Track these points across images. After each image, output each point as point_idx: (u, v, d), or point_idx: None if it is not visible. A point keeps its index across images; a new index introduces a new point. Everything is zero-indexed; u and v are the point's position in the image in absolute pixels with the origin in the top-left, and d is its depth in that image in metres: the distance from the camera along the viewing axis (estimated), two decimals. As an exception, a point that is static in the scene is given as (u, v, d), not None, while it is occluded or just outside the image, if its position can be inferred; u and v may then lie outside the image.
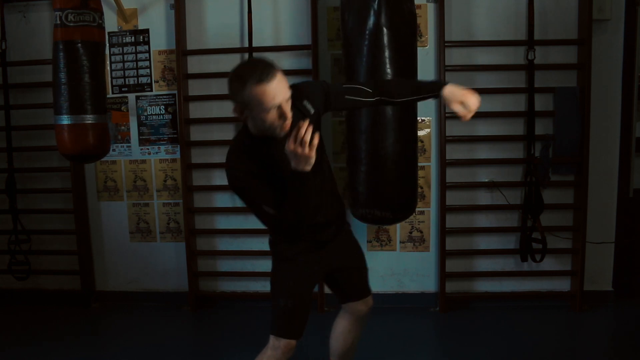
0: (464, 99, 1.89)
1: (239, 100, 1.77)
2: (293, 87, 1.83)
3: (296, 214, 1.82)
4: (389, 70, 2.74)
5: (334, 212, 2.11)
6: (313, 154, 1.69)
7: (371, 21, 2.72)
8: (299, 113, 1.86)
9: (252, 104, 1.73)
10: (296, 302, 2.04)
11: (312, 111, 1.92)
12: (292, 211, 1.81)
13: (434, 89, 1.97)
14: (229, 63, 3.52)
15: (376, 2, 2.70)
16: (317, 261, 2.09)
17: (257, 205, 1.86)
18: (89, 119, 2.92)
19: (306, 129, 1.66)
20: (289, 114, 1.76)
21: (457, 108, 1.90)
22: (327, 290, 3.44)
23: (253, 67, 1.75)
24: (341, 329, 2.32)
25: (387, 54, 2.71)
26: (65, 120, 2.90)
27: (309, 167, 1.72)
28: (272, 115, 1.74)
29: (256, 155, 1.84)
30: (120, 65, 3.66)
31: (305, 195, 1.79)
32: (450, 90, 1.92)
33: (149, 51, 3.63)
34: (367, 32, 2.73)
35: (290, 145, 1.67)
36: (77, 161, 3.19)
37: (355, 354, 2.45)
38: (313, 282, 2.17)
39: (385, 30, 2.70)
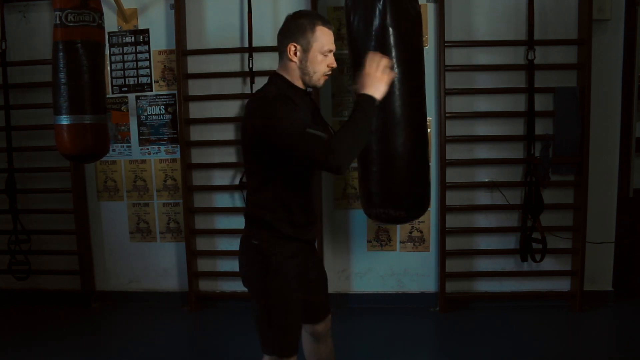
0: (370, 72, 1.79)
1: (301, 37, 1.79)
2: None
3: (355, 138, 1.72)
4: (396, 70, 2.74)
5: (318, 210, 2.09)
6: (389, 78, 1.79)
7: (377, 21, 2.73)
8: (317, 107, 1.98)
9: (315, 43, 1.80)
10: (294, 316, 1.91)
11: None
12: (352, 135, 1.71)
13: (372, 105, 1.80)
14: (229, 63, 3.57)
15: (381, 3, 2.71)
16: (303, 268, 1.94)
17: (303, 131, 1.67)
18: (89, 119, 2.92)
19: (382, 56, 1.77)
20: (335, 64, 1.84)
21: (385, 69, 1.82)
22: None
23: (315, 13, 1.87)
24: (310, 348, 2.17)
25: (394, 53, 2.72)
26: (64, 120, 2.90)
27: (380, 94, 1.77)
28: (326, 60, 1.82)
29: (298, 104, 1.80)
30: (120, 65, 3.66)
31: (369, 124, 1.76)
32: (359, 82, 1.81)
33: (149, 51, 3.63)
34: (373, 32, 2.74)
35: (369, 67, 1.76)
36: (77, 161, 3.19)
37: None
38: (301, 292, 1.94)
39: (391, 30, 2.71)
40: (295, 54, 1.81)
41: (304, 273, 1.95)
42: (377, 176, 2.85)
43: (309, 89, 1.91)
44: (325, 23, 1.82)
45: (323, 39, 1.80)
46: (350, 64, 3.03)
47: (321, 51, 1.81)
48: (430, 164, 3.11)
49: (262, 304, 1.89)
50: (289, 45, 1.81)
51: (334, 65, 1.84)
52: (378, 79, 1.77)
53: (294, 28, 1.81)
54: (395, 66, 2.74)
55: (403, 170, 2.82)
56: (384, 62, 1.79)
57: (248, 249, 1.92)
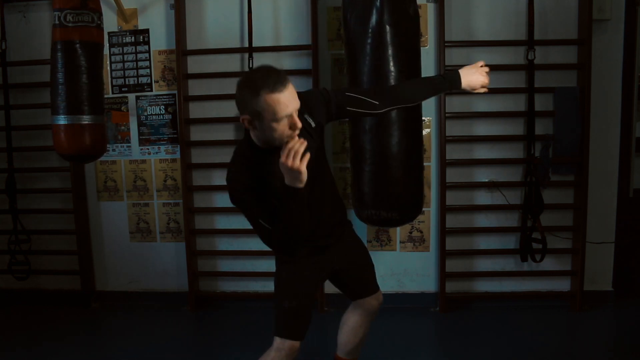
0: (481, 83, 2.05)
1: (249, 109, 1.70)
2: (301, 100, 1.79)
3: (290, 229, 1.78)
4: (392, 69, 2.71)
5: (336, 220, 2.13)
6: (303, 168, 1.66)
7: (374, 19, 2.71)
8: (302, 128, 1.80)
9: (265, 113, 1.68)
10: (300, 303, 2.06)
11: (314, 125, 1.90)
12: (285, 227, 1.78)
13: (451, 83, 2.03)
14: (229, 63, 3.57)
15: (379, 1, 2.69)
16: (319, 263, 2.11)
17: (254, 218, 1.84)
18: (86, 119, 2.92)
19: (299, 142, 1.66)
20: (299, 123, 1.72)
21: (481, 91, 2.07)
22: (327, 290, 3.44)
23: (265, 75, 1.69)
24: (352, 324, 2.34)
25: (390, 51, 2.69)
26: (62, 120, 2.90)
27: (301, 183, 1.70)
28: (283, 125, 1.70)
29: (256, 167, 1.82)
30: (120, 65, 3.66)
31: (300, 211, 1.76)
32: (467, 81, 2.03)
33: (149, 51, 3.63)
34: (369, 30, 2.72)
35: (282, 158, 1.66)
36: (74, 161, 3.19)
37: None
38: (316, 283, 2.18)
39: (388, 28, 2.69)
40: (250, 122, 1.74)
41: (324, 265, 2.12)
42: (369, 176, 2.81)
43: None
44: (273, 88, 1.66)
45: (272, 108, 1.66)
46: (346, 63, 3.00)
47: (274, 120, 1.68)
48: (424, 164, 3.09)
49: (275, 289, 2.11)
50: (241, 118, 1.75)
51: (297, 125, 1.71)
52: (291, 173, 1.70)
53: (240, 100, 1.73)
54: (392, 65, 2.73)
55: (396, 171, 2.78)
56: (296, 162, 1.68)
57: None
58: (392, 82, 2.72)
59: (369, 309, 2.31)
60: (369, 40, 2.73)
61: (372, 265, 2.32)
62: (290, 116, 1.70)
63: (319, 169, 1.94)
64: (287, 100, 1.68)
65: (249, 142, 1.85)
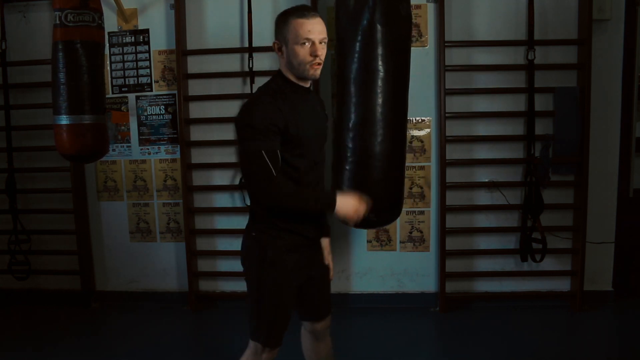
0: (352, 222, 1.96)
1: (280, 35, 1.86)
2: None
3: (293, 207, 1.85)
4: (380, 68, 2.68)
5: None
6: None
7: (365, 18, 2.68)
8: (319, 100, 2.07)
9: (290, 35, 1.81)
10: (285, 313, 1.98)
11: (325, 111, 2.11)
12: (293, 203, 1.84)
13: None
14: (229, 63, 3.57)
15: (371, 0, 2.66)
16: (303, 263, 1.99)
17: (262, 159, 1.77)
18: (88, 119, 2.92)
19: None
20: (321, 53, 1.82)
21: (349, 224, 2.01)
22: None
23: (298, 6, 1.87)
24: (309, 346, 2.21)
25: (380, 51, 2.66)
26: (63, 120, 2.90)
27: (351, 221, 1.94)
28: (305, 50, 1.81)
29: (288, 100, 1.85)
30: (120, 65, 3.66)
31: (307, 172, 1.88)
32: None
33: (149, 51, 3.63)
34: (360, 29, 2.69)
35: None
36: (76, 161, 3.19)
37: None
38: (297, 287, 2.01)
39: (379, 27, 2.66)
40: (279, 50, 1.88)
41: (304, 269, 2.00)
42: (348, 175, 2.69)
43: (309, 86, 1.95)
44: (301, 15, 1.82)
45: (296, 30, 1.80)
46: (336, 63, 2.88)
47: (296, 43, 1.81)
48: (405, 167, 3.00)
49: (254, 294, 1.97)
50: (273, 44, 1.90)
51: (317, 52, 1.81)
52: (350, 215, 1.89)
53: (275, 27, 1.90)
54: (381, 64, 2.68)
55: (377, 172, 2.66)
56: (361, 209, 1.92)
57: (247, 239, 2.01)
58: (379, 82, 2.63)
59: (316, 333, 2.15)
60: (359, 38, 2.69)
61: (330, 285, 2.18)
62: (313, 43, 1.81)
63: (322, 152, 2.02)
64: (311, 26, 1.81)
65: (279, 76, 1.93)
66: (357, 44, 2.68)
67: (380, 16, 2.64)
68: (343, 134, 2.73)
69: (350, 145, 2.66)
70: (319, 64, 1.84)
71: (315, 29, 1.81)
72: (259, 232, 1.94)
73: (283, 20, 1.85)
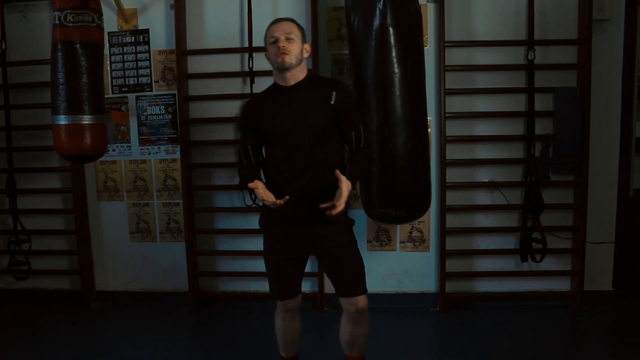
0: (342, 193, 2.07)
1: (265, 44, 2.22)
2: (333, 80, 2.27)
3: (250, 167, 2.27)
4: (396, 70, 2.75)
5: (316, 189, 2.16)
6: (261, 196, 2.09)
7: (377, 21, 2.73)
8: (321, 94, 2.17)
9: (265, 41, 2.21)
10: (274, 269, 2.34)
11: (333, 102, 2.17)
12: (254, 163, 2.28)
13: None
14: (229, 63, 3.57)
15: (381, 3, 2.71)
16: (284, 238, 2.27)
17: (239, 146, 2.30)
18: (87, 119, 2.92)
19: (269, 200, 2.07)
20: (283, 45, 2.12)
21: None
22: (327, 290, 3.44)
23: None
24: (342, 321, 2.39)
25: (394, 53, 2.72)
26: (62, 120, 2.90)
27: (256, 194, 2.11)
28: (273, 45, 2.15)
29: (266, 100, 2.23)
30: (120, 65, 3.66)
31: (285, 159, 2.17)
32: (345, 186, 2.05)
33: (149, 51, 3.63)
34: (373, 32, 2.75)
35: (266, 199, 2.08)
36: (75, 161, 3.19)
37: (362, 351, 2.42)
38: (285, 260, 2.30)
39: (391, 30, 2.72)
40: (267, 57, 2.22)
41: (289, 243, 2.27)
42: (377, 176, 2.86)
43: (290, 84, 2.19)
44: (272, 23, 2.22)
45: (267, 35, 2.20)
46: (350, 64, 3.02)
47: (267, 45, 2.19)
48: (430, 163, 3.12)
49: None
50: (265, 55, 2.24)
51: (279, 44, 2.13)
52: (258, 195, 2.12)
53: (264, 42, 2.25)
54: (396, 66, 2.75)
55: (403, 170, 2.84)
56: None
57: None
58: (396, 83, 2.77)
59: (345, 310, 2.33)
60: (373, 43, 2.76)
61: (357, 271, 2.30)
62: (277, 38, 2.14)
63: (322, 138, 2.18)
64: (277, 28, 2.17)
65: (272, 83, 2.27)
66: (372, 48, 2.74)
67: (392, 19, 2.70)
68: (368, 137, 2.84)
69: (376, 147, 2.81)
70: (283, 52, 2.12)
71: (279, 29, 2.16)
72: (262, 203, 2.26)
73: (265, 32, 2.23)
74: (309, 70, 2.28)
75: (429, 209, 3.54)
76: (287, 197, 2.08)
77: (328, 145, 2.20)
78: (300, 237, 2.25)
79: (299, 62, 2.18)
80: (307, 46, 2.22)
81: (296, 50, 2.15)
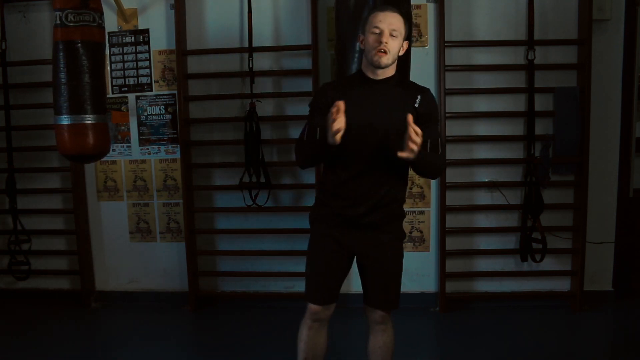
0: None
1: (361, 27, 2.08)
2: (420, 85, 2.12)
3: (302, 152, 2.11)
4: None
5: (381, 205, 2.08)
6: (337, 138, 1.87)
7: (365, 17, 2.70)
8: (406, 94, 2.07)
9: (365, 26, 2.04)
10: (313, 270, 2.19)
11: (417, 105, 2.07)
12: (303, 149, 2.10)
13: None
14: (229, 63, 3.57)
15: (371, 1, 2.68)
16: (337, 237, 2.13)
17: (303, 130, 2.11)
18: (89, 119, 2.92)
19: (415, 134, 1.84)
20: (387, 41, 1.96)
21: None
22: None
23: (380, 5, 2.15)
24: (370, 333, 2.29)
25: None
26: (65, 120, 2.89)
27: (331, 140, 1.89)
28: (374, 37, 1.98)
29: (347, 88, 2.07)
30: (120, 65, 3.66)
31: (352, 150, 2.01)
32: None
33: (149, 51, 3.63)
34: (360, 29, 2.71)
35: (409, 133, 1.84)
36: (77, 161, 3.18)
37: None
38: (335, 254, 2.15)
39: None
40: (362, 42, 2.07)
41: (337, 243, 2.13)
42: None
43: (379, 77, 2.05)
44: (377, 9, 2.06)
45: (370, 21, 2.02)
46: (337, 62, 2.91)
47: (368, 32, 2.01)
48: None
49: None
50: (359, 38, 2.10)
51: (382, 39, 1.96)
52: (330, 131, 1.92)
53: (361, 25, 2.13)
54: None
55: None
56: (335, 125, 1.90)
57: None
58: None
59: (369, 318, 2.24)
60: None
61: (394, 283, 2.20)
62: (381, 31, 1.97)
63: (398, 139, 1.94)
64: (382, 17, 1.99)
65: (359, 68, 2.13)
66: (358, 44, 2.69)
67: None
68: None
69: None
70: (383, 51, 1.97)
71: (385, 20, 1.98)
72: (315, 199, 2.25)
73: (364, 13, 2.16)
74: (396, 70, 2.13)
75: (428, 209, 3.56)
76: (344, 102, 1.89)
77: (401, 149, 2.00)
78: (349, 237, 2.13)
79: (394, 61, 2.05)
80: (405, 44, 2.06)
81: (396, 50, 2.00)
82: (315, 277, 2.19)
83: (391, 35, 1.97)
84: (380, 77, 2.05)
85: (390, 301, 2.20)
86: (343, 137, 1.89)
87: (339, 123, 1.85)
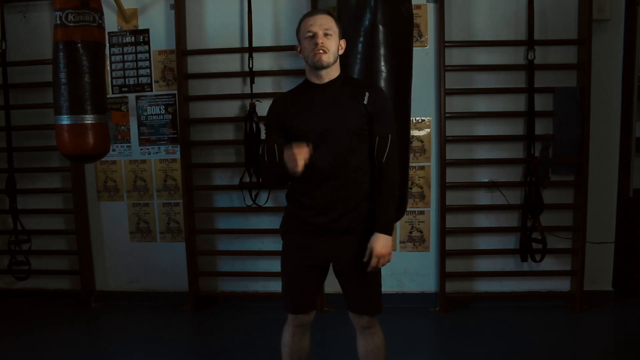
0: (375, 253, 2.03)
1: (296, 37, 2.09)
2: (366, 81, 2.20)
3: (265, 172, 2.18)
4: (382, 68, 2.72)
5: (348, 209, 2.05)
6: (299, 167, 1.91)
7: (367, 19, 2.71)
8: (354, 93, 2.06)
9: (299, 35, 2.06)
10: (290, 280, 2.18)
11: (366, 102, 2.05)
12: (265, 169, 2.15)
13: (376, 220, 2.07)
14: (229, 63, 3.57)
15: (373, 1, 2.69)
16: (306, 245, 2.11)
17: (262, 145, 2.17)
18: (89, 119, 2.92)
19: (301, 152, 1.90)
20: (321, 41, 1.98)
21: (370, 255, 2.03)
22: (327, 290, 3.44)
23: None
24: (357, 337, 2.27)
25: (382, 51, 2.70)
26: (65, 120, 2.89)
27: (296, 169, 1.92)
28: (309, 41, 2.01)
29: (295, 97, 2.10)
30: (120, 65, 3.66)
31: (311, 158, 1.96)
32: (376, 241, 2.03)
33: (149, 51, 3.63)
34: (362, 29, 2.72)
35: (293, 151, 1.91)
36: (77, 161, 3.18)
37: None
38: (308, 262, 2.12)
39: (381, 27, 2.70)
40: (300, 51, 2.09)
41: (310, 251, 2.11)
42: None
43: (324, 81, 2.06)
44: (308, 15, 2.07)
45: (302, 27, 2.04)
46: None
47: (303, 39, 2.04)
48: (410, 165, 3.06)
49: None
50: (296, 47, 2.11)
51: (317, 40, 1.98)
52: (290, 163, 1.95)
53: (296, 35, 2.10)
54: (383, 65, 2.71)
55: None
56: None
57: None
58: (381, 82, 2.70)
59: (354, 324, 2.22)
60: (361, 39, 2.73)
61: (374, 286, 2.16)
62: (314, 34, 1.99)
63: (355, 140, 2.04)
64: (314, 21, 2.01)
65: (304, 80, 2.14)
66: (360, 45, 2.71)
67: (382, 17, 2.67)
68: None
69: None
70: (322, 51, 1.99)
71: (316, 23, 2.01)
72: (285, 209, 2.21)
73: (298, 23, 2.08)
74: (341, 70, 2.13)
75: (428, 209, 3.56)
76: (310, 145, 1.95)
77: (360, 150, 2.06)
78: (322, 245, 2.10)
79: (335, 60, 2.04)
80: (342, 42, 2.08)
81: (334, 47, 2.01)
82: (291, 290, 2.18)
83: (325, 34, 2.00)
84: (326, 80, 2.05)
85: (375, 305, 2.18)
86: (299, 139, 1.98)
87: (300, 163, 1.90)
